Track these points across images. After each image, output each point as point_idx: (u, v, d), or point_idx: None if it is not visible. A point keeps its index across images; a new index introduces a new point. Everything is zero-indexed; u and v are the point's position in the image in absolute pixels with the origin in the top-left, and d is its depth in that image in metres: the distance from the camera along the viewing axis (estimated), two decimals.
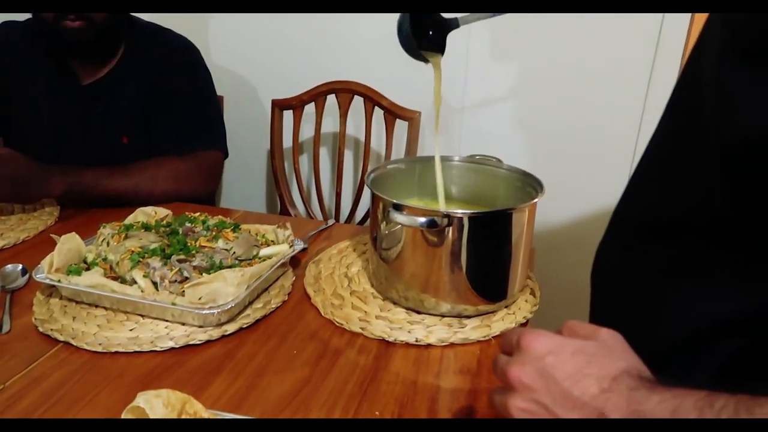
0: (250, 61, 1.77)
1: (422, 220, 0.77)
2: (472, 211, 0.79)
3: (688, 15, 1.40)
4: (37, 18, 1.21)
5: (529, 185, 0.90)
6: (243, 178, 1.91)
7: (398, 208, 0.80)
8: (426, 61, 0.88)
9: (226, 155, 1.37)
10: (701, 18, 1.40)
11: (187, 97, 1.30)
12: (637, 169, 0.72)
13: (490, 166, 0.98)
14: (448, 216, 0.78)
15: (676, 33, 1.42)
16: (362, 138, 1.66)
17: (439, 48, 0.87)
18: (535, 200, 0.83)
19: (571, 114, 1.55)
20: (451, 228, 0.79)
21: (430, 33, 0.86)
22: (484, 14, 0.85)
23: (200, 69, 1.36)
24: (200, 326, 0.78)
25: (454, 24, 0.88)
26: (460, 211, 0.78)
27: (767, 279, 0.50)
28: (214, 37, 1.74)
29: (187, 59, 1.34)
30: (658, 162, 0.68)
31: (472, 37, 1.57)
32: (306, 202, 1.70)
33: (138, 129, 1.30)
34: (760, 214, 0.49)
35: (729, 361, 0.54)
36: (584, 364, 0.46)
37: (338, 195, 1.67)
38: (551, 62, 1.53)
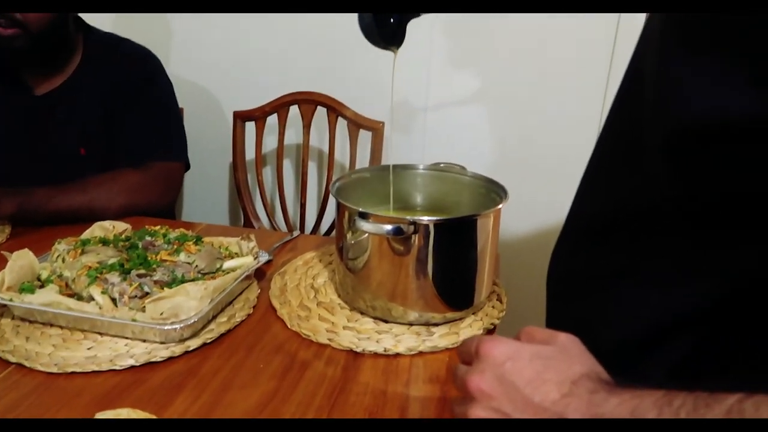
0: (211, 72, 1.75)
1: (388, 227, 0.77)
2: (437, 218, 0.79)
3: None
4: None
5: (494, 191, 0.91)
6: (205, 191, 1.88)
7: (364, 216, 0.79)
8: (386, 47, 0.88)
9: (187, 166, 1.34)
10: None
11: (146, 108, 1.28)
12: (584, 174, 0.73)
13: (454, 174, 0.99)
14: (414, 223, 0.77)
15: (630, 39, 1.45)
16: (326, 149, 1.65)
17: (399, 38, 0.87)
18: (500, 206, 0.83)
19: (533, 119, 1.57)
20: (417, 235, 0.79)
21: (391, 20, 0.86)
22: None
23: (160, 79, 1.33)
24: (162, 342, 0.75)
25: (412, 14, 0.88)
26: (425, 218, 0.78)
27: (714, 273, 0.50)
28: (176, 47, 1.71)
29: (147, 69, 1.31)
30: (601, 166, 0.69)
31: (434, 44, 1.59)
32: (270, 215, 1.68)
33: (96, 140, 1.27)
34: (705, 205, 0.49)
35: (682, 359, 0.54)
36: (543, 369, 0.46)
37: (303, 206, 1.66)
38: (512, 68, 1.55)
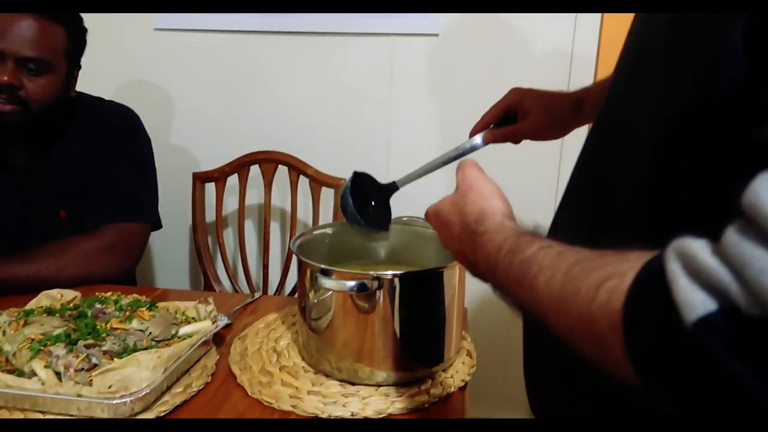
0: (169, 133, 1.73)
1: (351, 284, 0.74)
2: (401, 272, 0.77)
3: (595, 52, 1.50)
4: None
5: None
6: (165, 254, 1.82)
7: (326, 273, 0.76)
8: (376, 232, 0.90)
9: (156, 226, 1.29)
10: (608, 49, 1.49)
11: (115, 165, 1.24)
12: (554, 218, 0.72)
13: (418, 227, 0.97)
14: (378, 278, 0.75)
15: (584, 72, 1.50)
16: (288, 208, 1.63)
17: (387, 220, 0.90)
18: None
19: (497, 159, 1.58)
20: (381, 291, 0.76)
21: (372, 204, 0.89)
22: (421, 172, 0.90)
23: (138, 136, 1.30)
24: (111, 418, 0.70)
25: (393, 187, 0.90)
26: (389, 272, 0.76)
27: None
28: (135, 108, 1.69)
29: (125, 126, 1.29)
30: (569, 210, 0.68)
31: (393, 113, 1.61)
32: (231, 277, 1.63)
33: (76, 201, 1.22)
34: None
35: None
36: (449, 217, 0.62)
37: (265, 267, 1.61)
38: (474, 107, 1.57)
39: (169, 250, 1.82)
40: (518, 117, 0.90)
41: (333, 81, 1.65)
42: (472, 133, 0.91)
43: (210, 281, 1.60)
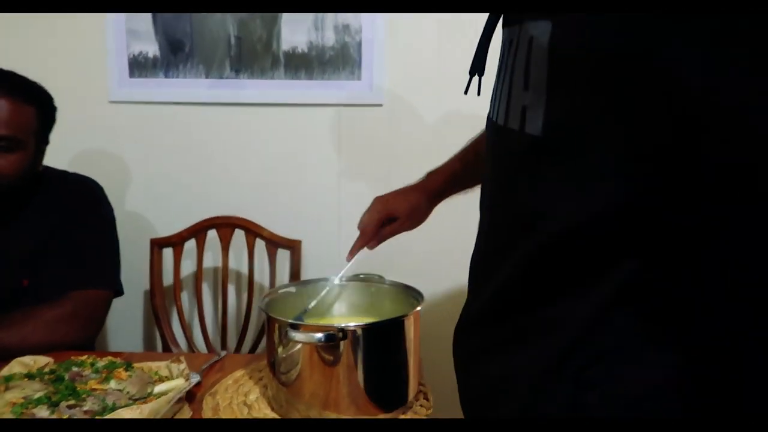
0: (125, 201, 1.78)
1: (319, 335, 0.82)
2: (364, 323, 0.86)
3: None
4: None
5: (411, 296, 0.99)
6: (117, 319, 1.83)
7: (295, 327, 0.84)
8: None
9: (118, 292, 1.33)
10: None
11: (78, 234, 1.28)
12: None
13: (374, 283, 1.07)
14: (342, 330, 0.83)
15: None
16: (244, 270, 1.69)
17: None
18: (418, 308, 0.91)
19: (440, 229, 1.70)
20: (346, 343, 0.84)
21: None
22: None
23: (100, 206, 1.35)
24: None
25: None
26: (353, 324, 0.85)
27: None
28: (92, 177, 1.74)
29: (87, 196, 1.34)
30: None
31: (342, 157, 1.72)
32: (189, 339, 1.66)
33: (39, 270, 1.25)
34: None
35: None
36: None
37: (224, 328, 1.66)
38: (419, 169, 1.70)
39: (121, 315, 1.83)
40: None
41: (284, 149, 1.76)
42: (354, 252, 1.03)
43: (168, 343, 1.63)
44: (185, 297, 1.79)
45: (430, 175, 1.07)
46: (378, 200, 1.04)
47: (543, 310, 0.58)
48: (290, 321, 0.85)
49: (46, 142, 1.29)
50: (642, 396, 0.53)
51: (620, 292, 0.52)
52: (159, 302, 1.64)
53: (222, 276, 1.66)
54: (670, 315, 0.52)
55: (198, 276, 1.65)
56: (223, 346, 1.66)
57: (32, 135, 1.21)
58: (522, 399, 0.60)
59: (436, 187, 1.05)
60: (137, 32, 1.75)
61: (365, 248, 1.05)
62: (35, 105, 1.21)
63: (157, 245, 1.65)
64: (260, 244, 1.65)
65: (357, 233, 1.06)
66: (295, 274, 1.61)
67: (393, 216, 1.01)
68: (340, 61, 1.74)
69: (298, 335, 0.83)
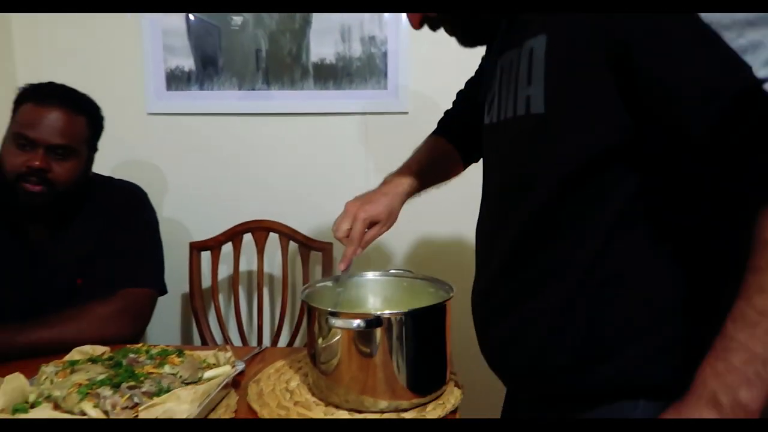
0: (162, 208, 1.86)
1: (358, 322, 0.88)
2: (399, 311, 0.92)
3: None
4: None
5: (441, 289, 1.05)
6: (155, 319, 1.91)
7: (334, 314, 0.90)
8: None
9: (162, 292, 1.41)
10: None
11: (125, 237, 1.36)
12: None
13: (405, 277, 1.13)
14: (378, 317, 0.89)
15: None
16: (277, 272, 1.76)
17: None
18: (449, 297, 0.97)
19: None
20: (381, 332, 0.90)
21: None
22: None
23: (145, 210, 1.44)
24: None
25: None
26: (388, 311, 0.91)
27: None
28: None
29: (133, 201, 1.42)
30: None
31: (369, 163, 1.78)
32: (226, 337, 1.73)
33: (91, 269, 1.33)
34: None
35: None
36: None
37: (259, 327, 1.73)
38: None
39: (160, 316, 1.91)
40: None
41: (314, 156, 1.83)
42: (347, 260, 1.04)
43: (206, 342, 1.70)
44: (222, 297, 1.86)
45: (395, 179, 1.13)
46: (354, 206, 1.06)
47: (554, 251, 0.75)
48: (329, 310, 0.91)
49: (95, 149, 1.38)
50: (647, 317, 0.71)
51: (621, 216, 0.70)
52: (197, 302, 1.72)
53: (257, 277, 1.73)
54: (670, 237, 0.70)
55: (234, 277, 1.73)
56: (259, 343, 1.73)
57: (84, 143, 1.30)
58: (541, 340, 0.77)
59: (405, 189, 1.12)
60: (173, 48, 1.85)
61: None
62: (86, 115, 1.31)
63: (196, 249, 1.73)
64: (293, 247, 1.72)
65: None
66: (327, 275, 1.68)
67: (375, 221, 1.06)
68: (366, 71, 1.81)
69: (338, 322, 0.90)
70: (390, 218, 1.08)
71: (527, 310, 0.79)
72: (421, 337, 0.95)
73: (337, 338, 0.93)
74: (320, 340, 0.95)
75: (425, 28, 0.88)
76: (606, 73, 0.65)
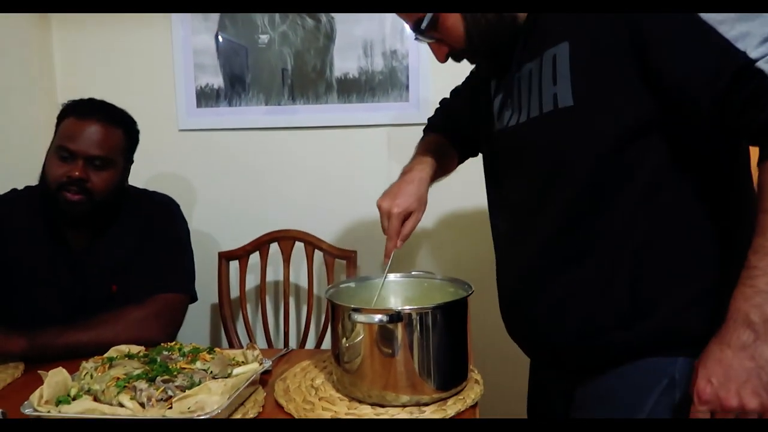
0: (193, 218, 1.93)
1: (379, 317, 0.92)
2: (419, 307, 0.95)
3: None
4: (41, 187, 1.34)
5: (461, 288, 1.08)
6: (184, 326, 1.97)
7: (357, 310, 0.94)
8: None
9: (193, 298, 1.46)
10: None
11: (160, 245, 1.43)
12: None
13: (425, 279, 1.16)
14: (399, 313, 0.93)
15: None
16: (303, 279, 1.81)
17: None
18: (468, 294, 1.00)
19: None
20: (402, 328, 0.94)
21: None
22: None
23: (177, 221, 1.50)
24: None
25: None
26: (408, 307, 0.94)
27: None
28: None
29: (166, 212, 1.49)
30: None
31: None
32: (253, 342, 1.78)
33: (126, 276, 1.40)
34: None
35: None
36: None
37: (286, 333, 1.77)
38: (463, 182, 1.78)
39: (189, 322, 1.97)
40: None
41: (338, 167, 1.89)
42: (389, 252, 1.10)
43: (233, 347, 1.75)
44: (249, 305, 1.92)
45: (416, 166, 1.18)
46: (386, 203, 1.11)
47: (596, 220, 0.84)
48: (352, 306, 0.95)
49: (131, 161, 1.45)
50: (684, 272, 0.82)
51: (652, 182, 0.81)
52: (226, 310, 1.77)
53: (284, 285, 1.78)
54: (697, 196, 0.81)
55: (261, 285, 1.78)
56: (286, 347, 1.77)
57: (120, 154, 1.38)
58: (590, 303, 0.86)
59: (428, 173, 1.17)
60: (203, 66, 1.93)
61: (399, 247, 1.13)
62: (123, 127, 1.38)
63: (225, 258, 1.79)
64: (318, 256, 1.77)
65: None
66: None
67: (409, 211, 1.11)
68: (388, 84, 1.87)
69: (360, 317, 0.93)
70: (421, 204, 1.13)
71: (576, 277, 0.88)
72: (441, 333, 0.98)
73: (360, 336, 0.97)
74: (344, 339, 0.99)
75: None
76: (628, 63, 0.78)
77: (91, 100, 1.40)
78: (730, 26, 0.69)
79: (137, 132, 1.45)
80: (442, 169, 1.23)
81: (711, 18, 0.70)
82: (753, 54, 0.68)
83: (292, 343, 1.81)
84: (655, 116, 0.79)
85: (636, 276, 0.83)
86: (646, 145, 0.80)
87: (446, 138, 1.27)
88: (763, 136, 0.72)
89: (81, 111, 1.35)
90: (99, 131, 1.32)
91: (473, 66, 1.17)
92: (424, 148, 1.25)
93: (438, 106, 1.36)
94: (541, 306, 0.93)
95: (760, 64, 0.68)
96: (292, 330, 1.86)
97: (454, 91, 1.33)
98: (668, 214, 0.82)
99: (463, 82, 1.29)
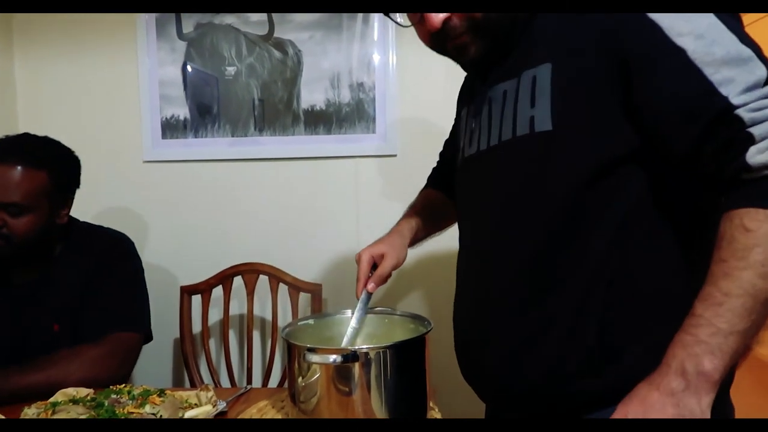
0: (155, 251, 1.89)
1: (334, 357, 0.90)
2: (375, 346, 0.93)
3: None
4: None
5: (420, 324, 1.06)
6: (145, 364, 1.91)
7: (312, 350, 0.92)
8: None
9: (148, 338, 1.42)
10: None
11: (111, 283, 1.38)
12: None
13: (386, 314, 1.14)
14: (355, 352, 0.91)
15: None
16: (268, 314, 1.78)
17: None
18: (427, 331, 0.98)
19: None
20: (359, 367, 0.91)
21: None
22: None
23: (130, 258, 1.46)
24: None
25: None
26: (365, 346, 0.92)
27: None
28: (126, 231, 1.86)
29: (119, 249, 1.45)
30: None
31: (360, 206, 1.82)
32: (217, 383, 1.74)
33: (69, 316, 1.35)
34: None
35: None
36: None
37: (249, 369, 1.73)
38: None
39: (149, 361, 1.91)
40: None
41: (306, 199, 1.87)
42: (360, 289, 1.11)
43: (196, 385, 1.70)
44: (212, 340, 1.87)
45: (398, 223, 1.23)
46: (361, 251, 1.15)
47: (569, 254, 0.80)
48: (308, 346, 0.93)
49: (63, 199, 1.38)
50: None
51: (628, 217, 0.77)
52: (188, 346, 1.73)
53: (247, 320, 1.74)
54: (672, 235, 0.78)
55: (225, 320, 1.74)
56: (249, 384, 1.73)
57: (44, 197, 1.30)
58: (559, 343, 0.80)
59: (407, 227, 1.21)
60: (170, 97, 1.92)
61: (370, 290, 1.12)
62: (47, 168, 1.30)
63: (187, 292, 1.75)
64: (283, 289, 1.74)
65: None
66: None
67: (380, 253, 1.13)
68: (355, 116, 1.87)
69: (315, 357, 0.91)
70: (394, 249, 1.14)
71: (544, 314, 0.82)
72: (398, 371, 0.95)
73: (316, 376, 0.94)
74: (300, 379, 0.96)
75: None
76: (610, 92, 0.75)
77: (9, 140, 1.32)
78: (716, 69, 0.67)
79: (71, 167, 1.39)
80: (431, 225, 1.24)
81: (699, 58, 0.68)
82: (734, 101, 0.66)
83: (256, 380, 1.77)
84: (634, 149, 0.76)
85: (606, 315, 0.78)
86: (624, 179, 0.78)
87: (441, 190, 1.27)
88: (730, 186, 0.69)
89: None
90: (14, 176, 1.26)
91: (444, 99, 1.16)
92: (413, 204, 1.27)
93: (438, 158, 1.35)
94: (499, 348, 0.86)
95: (740, 112, 0.66)
96: (256, 366, 1.81)
97: (446, 141, 1.30)
98: (643, 251, 0.78)
99: (451, 129, 1.27)
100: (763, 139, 0.66)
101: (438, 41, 0.87)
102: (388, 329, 1.12)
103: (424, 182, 1.87)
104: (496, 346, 0.87)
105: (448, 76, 1.83)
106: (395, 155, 1.84)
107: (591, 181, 0.78)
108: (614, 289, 0.78)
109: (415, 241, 1.21)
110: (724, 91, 0.67)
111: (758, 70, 0.67)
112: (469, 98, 1.02)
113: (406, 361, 0.96)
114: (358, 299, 1.10)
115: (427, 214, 1.23)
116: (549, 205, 0.81)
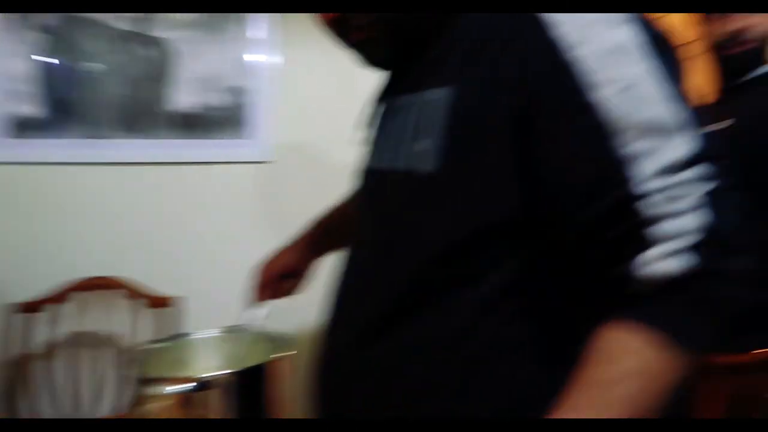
0: None
1: (181, 387, 0.81)
2: (225, 371, 0.84)
3: None
4: None
5: (282, 344, 0.99)
6: None
7: (151, 381, 0.82)
8: None
9: None
10: None
11: None
12: None
13: (238, 334, 1.05)
14: (200, 380, 0.82)
15: None
16: (116, 331, 1.63)
17: None
18: (286, 354, 0.92)
19: None
20: (208, 393, 0.83)
21: None
22: None
23: None
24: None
25: None
26: (212, 373, 0.84)
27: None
28: None
29: None
30: None
31: (212, 217, 1.71)
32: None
33: None
34: None
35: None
36: None
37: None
38: None
39: None
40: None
41: (173, 205, 1.75)
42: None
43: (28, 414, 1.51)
44: (50, 363, 1.67)
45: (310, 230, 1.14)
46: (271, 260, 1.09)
47: (422, 322, 0.67)
48: (146, 375, 0.83)
49: None
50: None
51: (492, 297, 0.65)
52: (17, 367, 1.53)
53: (92, 339, 1.59)
54: (538, 326, 0.65)
55: (68, 339, 1.57)
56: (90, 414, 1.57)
57: None
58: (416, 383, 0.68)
59: (308, 238, 1.12)
60: (20, 93, 1.71)
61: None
62: None
63: (20, 309, 1.56)
64: (139, 304, 1.61)
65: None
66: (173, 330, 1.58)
67: (284, 271, 1.08)
68: (231, 120, 1.78)
69: (158, 389, 0.81)
70: (299, 264, 1.10)
71: (381, 388, 0.70)
72: (257, 399, 0.88)
73: (159, 405, 0.84)
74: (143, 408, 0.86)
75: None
76: (506, 141, 0.61)
77: None
78: (633, 137, 0.55)
79: None
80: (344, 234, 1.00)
81: (615, 119, 0.55)
82: (641, 187, 0.54)
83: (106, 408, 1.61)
84: (518, 221, 0.63)
85: (453, 398, 0.66)
86: (499, 251, 0.64)
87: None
88: (618, 288, 0.57)
89: None
90: None
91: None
92: (326, 214, 1.15)
93: None
94: (349, 405, 0.74)
95: (643, 204, 0.54)
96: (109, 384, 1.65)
97: None
98: (501, 338, 0.65)
99: None
100: (667, 240, 0.54)
101: (340, 32, 0.74)
102: (242, 350, 1.03)
103: (300, 189, 1.82)
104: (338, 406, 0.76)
105: (336, 82, 1.77)
106: (271, 162, 1.77)
107: (462, 247, 0.65)
108: (464, 373, 0.66)
109: (317, 245, 1.12)
110: (632, 169, 0.55)
111: (682, 147, 0.54)
112: (378, 100, 0.87)
113: (254, 389, 0.88)
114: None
115: (337, 223, 1.12)
116: (414, 258, 0.67)
